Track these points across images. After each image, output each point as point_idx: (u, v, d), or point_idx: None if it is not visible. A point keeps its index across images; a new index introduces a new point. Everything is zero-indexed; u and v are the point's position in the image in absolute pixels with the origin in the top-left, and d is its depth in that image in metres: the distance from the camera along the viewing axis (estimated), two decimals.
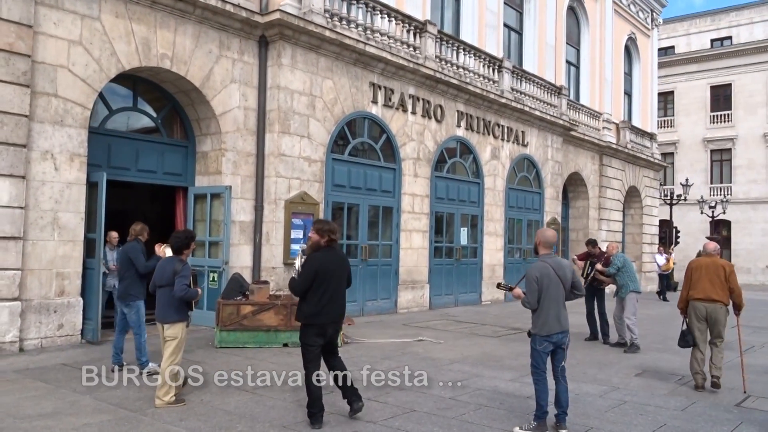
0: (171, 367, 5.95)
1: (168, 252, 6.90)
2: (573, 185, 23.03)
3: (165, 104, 11.27)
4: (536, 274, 5.64)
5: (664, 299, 21.23)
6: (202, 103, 11.05)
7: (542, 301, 5.61)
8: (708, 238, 32.70)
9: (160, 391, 5.94)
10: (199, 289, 6.45)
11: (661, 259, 21.76)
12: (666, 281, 21.75)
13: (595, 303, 11.09)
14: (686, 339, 7.66)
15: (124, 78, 10.29)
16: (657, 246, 24.13)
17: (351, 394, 5.70)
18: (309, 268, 5.50)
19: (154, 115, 11.13)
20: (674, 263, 22.28)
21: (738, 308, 7.59)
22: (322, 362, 5.71)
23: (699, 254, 8.09)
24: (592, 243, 11.49)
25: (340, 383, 5.70)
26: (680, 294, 7.88)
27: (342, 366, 5.76)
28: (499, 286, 6.32)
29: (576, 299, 6.15)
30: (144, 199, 15.66)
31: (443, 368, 8.18)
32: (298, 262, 5.78)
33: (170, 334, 6.10)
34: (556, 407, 5.60)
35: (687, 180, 30.21)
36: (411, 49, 14.49)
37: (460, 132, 16.31)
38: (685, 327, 7.74)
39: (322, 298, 5.48)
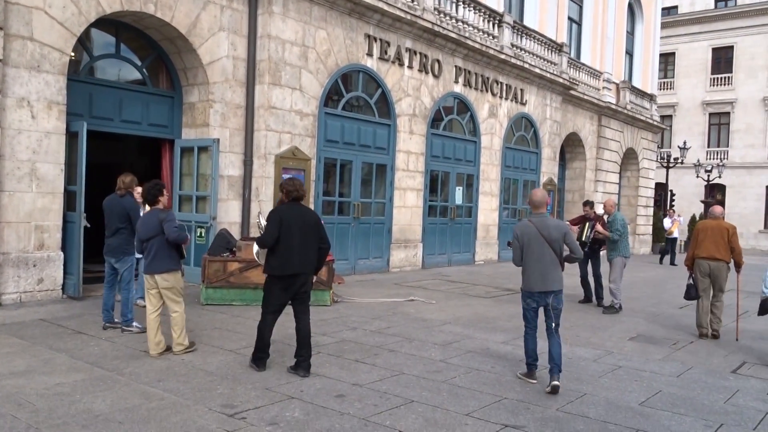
0: (182, 314, 6.17)
1: None
2: (570, 146, 22.68)
3: (150, 53, 10.76)
4: (517, 232, 5.84)
5: (660, 262, 21.00)
6: (188, 51, 10.56)
7: (525, 258, 5.76)
8: (702, 201, 32.64)
9: (181, 338, 6.12)
10: (187, 234, 6.46)
11: (667, 223, 21.19)
12: (671, 245, 21.06)
13: (590, 266, 10.89)
14: (690, 292, 8.44)
15: (106, 23, 9.78)
16: (668, 209, 23.23)
17: (303, 357, 5.63)
18: (273, 218, 5.61)
19: (139, 63, 10.64)
20: (678, 227, 21.31)
21: (738, 265, 8.33)
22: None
23: (694, 218, 8.40)
24: (589, 204, 11.23)
25: (298, 339, 5.68)
26: (687, 252, 8.65)
27: (306, 327, 5.68)
28: (509, 244, 6.53)
29: (574, 263, 6.08)
30: (131, 153, 15.22)
31: (434, 329, 7.99)
32: (262, 221, 6.01)
33: (167, 285, 6.09)
34: (549, 362, 5.60)
35: (685, 143, 29.85)
36: (408, 0, 13.91)
37: (458, 88, 15.84)
38: (690, 281, 8.45)
39: (286, 250, 5.53)
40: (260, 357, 5.66)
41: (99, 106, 9.87)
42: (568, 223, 11.50)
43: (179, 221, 7.16)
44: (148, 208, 7.09)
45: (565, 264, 5.82)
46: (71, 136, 8.97)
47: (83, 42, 9.57)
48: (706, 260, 8.24)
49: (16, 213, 8.37)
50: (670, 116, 37.91)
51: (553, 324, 5.71)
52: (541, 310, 5.85)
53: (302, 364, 5.60)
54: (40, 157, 8.56)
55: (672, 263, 20.46)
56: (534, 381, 5.75)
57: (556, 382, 5.45)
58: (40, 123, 8.52)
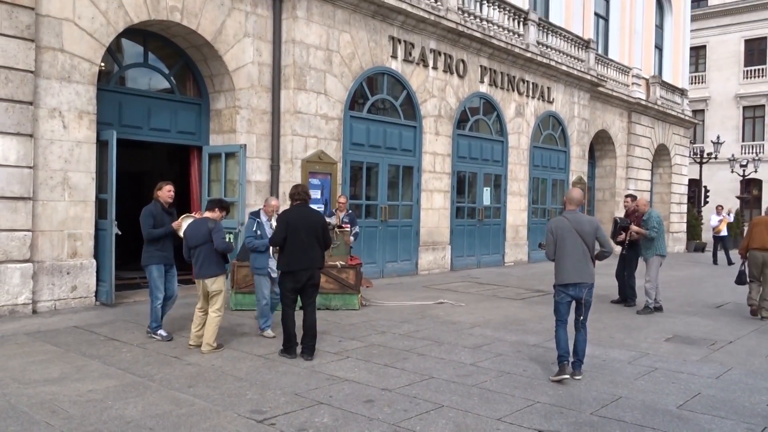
0: (219, 318, 6.57)
1: (184, 224, 7.00)
2: (600, 143, 22.33)
3: (177, 60, 10.89)
4: (551, 227, 6.09)
5: (714, 262, 19.40)
6: (214, 58, 10.65)
7: (558, 251, 5.97)
8: (738, 197, 31.81)
9: (210, 339, 6.46)
10: (233, 244, 7.04)
11: (714, 220, 19.58)
12: (722, 244, 19.44)
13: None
14: (741, 278, 9.64)
15: (134, 33, 9.92)
16: (716, 206, 21.66)
17: (306, 343, 6.33)
18: (281, 221, 6.36)
19: (166, 71, 10.76)
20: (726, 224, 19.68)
21: None
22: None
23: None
24: (631, 197, 10.96)
25: (304, 327, 6.37)
26: (741, 243, 10.02)
27: (311, 318, 6.36)
28: (541, 246, 6.73)
29: (604, 258, 6.21)
30: (161, 160, 15.43)
31: (464, 332, 7.90)
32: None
33: (215, 288, 6.54)
34: (573, 355, 5.89)
35: (718, 137, 29.11)
36: (432, 0, 13.84)
37: (484, 88, 15.71)
38: (743, 268, 9.64)
39: (293, 248, 6.22)
40: (288, 346, 6.26)
41: (128, 114, 10.00)
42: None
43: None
44: (196, 214, 7.25)
45: (597, 262, 6.03)
46: (101, 145, 9.12)
47: (112, 52, 9.72)
48: (759, 251, 9.35)
49: (50, 222, 8.52)
50: (702, 111, 37.09)
51: (582, 317, 5.97)
52: (573, 305, 6.03)
53: (306, 349, 6.30)
54: (72, 167, 8.71)
55: (714, 262, 19.35)
56: (566, 375, 5.73)
57: (578, 377, 5.84)
58: (71, 133, 8.67)
